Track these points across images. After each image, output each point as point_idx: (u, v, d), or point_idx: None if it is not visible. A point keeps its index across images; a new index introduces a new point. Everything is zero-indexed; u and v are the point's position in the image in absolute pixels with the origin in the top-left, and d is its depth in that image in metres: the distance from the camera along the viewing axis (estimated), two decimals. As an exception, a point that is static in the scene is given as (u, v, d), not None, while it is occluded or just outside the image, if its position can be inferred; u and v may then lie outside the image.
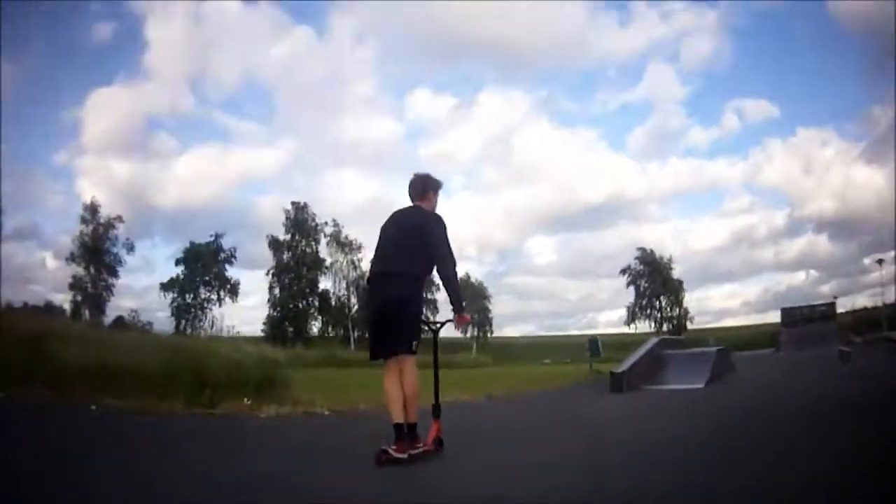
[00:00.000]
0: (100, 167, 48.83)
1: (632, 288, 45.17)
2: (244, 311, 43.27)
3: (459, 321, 3.57)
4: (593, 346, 17.26)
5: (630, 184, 54.19)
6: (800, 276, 62.14)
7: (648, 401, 7.81)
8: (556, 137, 53.94)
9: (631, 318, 44.85)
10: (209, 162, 51.63)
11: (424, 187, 3.65)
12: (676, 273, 44.68)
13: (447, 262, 3.43)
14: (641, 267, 44.78)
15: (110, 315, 34.45)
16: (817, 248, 52.91)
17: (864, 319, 34.34)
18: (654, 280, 43.97)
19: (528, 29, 47.94)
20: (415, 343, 3.34)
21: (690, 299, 45.77)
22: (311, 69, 50.16)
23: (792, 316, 29.47)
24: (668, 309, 44.60)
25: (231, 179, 56.19)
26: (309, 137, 51.93)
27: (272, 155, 55.49)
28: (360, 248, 40.81)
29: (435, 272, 3.44)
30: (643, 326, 43.85)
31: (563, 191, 53.90)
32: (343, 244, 41.32)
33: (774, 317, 47.83)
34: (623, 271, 45.45)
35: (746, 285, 77.74)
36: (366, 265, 38.96)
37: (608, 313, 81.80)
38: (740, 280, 76.04)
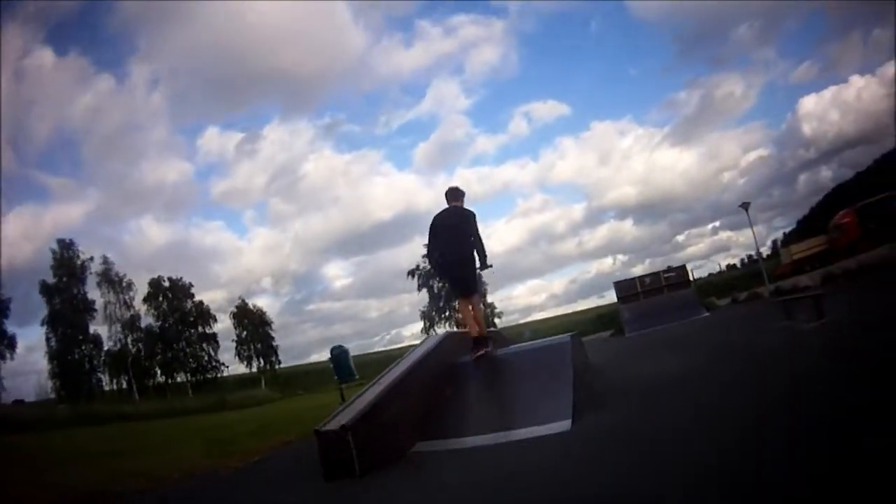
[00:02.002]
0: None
1: (425, 292, 42.41)
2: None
3: (483, 268, 5.94)
4: (338, 363, 10.90)
5: (419, 198, 56.04)
6: (607, 262, 63.99)
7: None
8: (340, 162, 56.75)
9: (428, 324, 41.79)
10: (29, 220, 46.94)
11: (457, 195, 6.00)
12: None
13: (479, 237, 5.84)
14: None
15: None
16: (622, 233, 57.69)
17: (718, 283, 35.54)
18: (447, 278, 42.32)
19: (311, 58, 51.66)
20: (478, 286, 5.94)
21: (494, 299, 44.94)
22: (112, 117, 50.01)
23: (630, 289, 24.07)
24: (470, 308, 43.19)
25: (48, 235, 50.38)
26: (112, 186, 50.46)
27: (80, 208, 56.56)
28: (130, 286, 37.46)
29: None
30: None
31: (353, 213, 56.32)
32: (113, 282, 36.97)
33: (586, 304, 49.55)
34: (411, 273, 42.62)
35: (550, 279, 79.43)
36: (138, 304, 38.11)
37: (412, 326, 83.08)
38: (543, 275, 76.73)
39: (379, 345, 52.52)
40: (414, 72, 59.48)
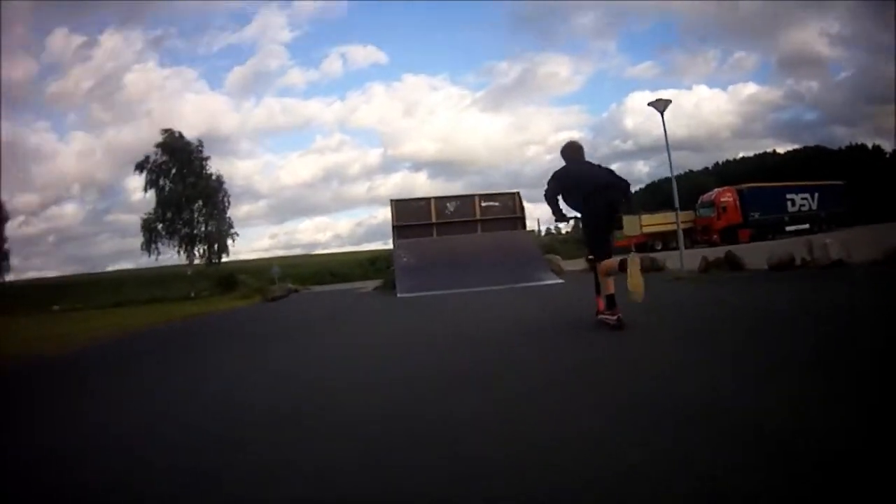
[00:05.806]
0: None
1: (153, 195, 30.15)
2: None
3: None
4: None
5: (224, 120, 58.04)
6: (397, 211, 60.86)
7: None
8: (159, 76, 55.97)
9: (150, 240, 30.21)
10: None
11: (582, 151, 5.05)
12: (263, 205, 35.17)
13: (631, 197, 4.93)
14: (165, 158, 30.18)
15: None
16: (415, 185, 62.28)
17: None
18: (182, 178, 29.98)
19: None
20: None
21: (279, 232, 38.62)
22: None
23: (417, 215, 14.09)
24: (204, 223, 31.21)
25: None
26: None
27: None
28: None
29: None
30: (171, 253, 30.89)
31: (160, 128, 44.10)
32: None
33: (372, 248, 44.29)
34: (140, 166, 30.09)
35: (337, 218, 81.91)
36: None
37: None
38: (331, 213, 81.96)
39: (170, 261, 40.65)
40: (245, -4, 53.55)
